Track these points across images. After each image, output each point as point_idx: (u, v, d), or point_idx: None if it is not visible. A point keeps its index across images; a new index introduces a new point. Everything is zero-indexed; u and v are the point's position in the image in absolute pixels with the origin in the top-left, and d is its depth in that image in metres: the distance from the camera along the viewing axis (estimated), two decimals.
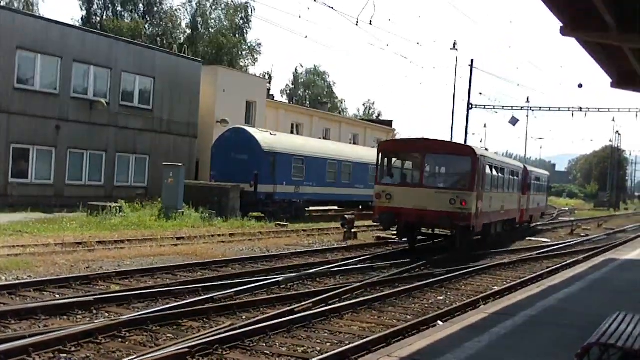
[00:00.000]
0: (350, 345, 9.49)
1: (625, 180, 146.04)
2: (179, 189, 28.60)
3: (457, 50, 50.84)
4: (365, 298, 13.44)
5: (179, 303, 11.92)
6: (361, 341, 9.78)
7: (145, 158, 34.97)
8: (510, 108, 59.56)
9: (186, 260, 17.71)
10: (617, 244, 30.17)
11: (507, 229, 30.15)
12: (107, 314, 11.17)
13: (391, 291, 14.47)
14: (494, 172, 26.09)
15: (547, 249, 26.78)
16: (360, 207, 44.43)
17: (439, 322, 11.59)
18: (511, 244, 28.33)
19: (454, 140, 45.42)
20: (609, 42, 16.97)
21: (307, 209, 38.50)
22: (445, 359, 7.43)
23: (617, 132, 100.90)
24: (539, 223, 42.15)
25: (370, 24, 25.87)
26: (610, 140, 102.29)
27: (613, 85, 23.35)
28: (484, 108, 57.64)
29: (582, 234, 38.02)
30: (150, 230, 24.22)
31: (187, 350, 8.70)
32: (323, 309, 12.12)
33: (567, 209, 77.22)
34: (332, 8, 25.80)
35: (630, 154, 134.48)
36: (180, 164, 29.91)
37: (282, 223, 30.50)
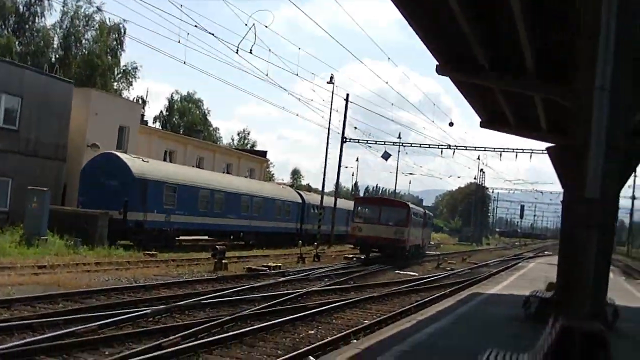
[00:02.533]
0: None
1: (487, 217, 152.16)
2: (43, 214, 27.31)
3: (333, 84, 51.50)
4: (236, 332, 13.11)
5: (36, 338, 11.20)
6: None
7: (7, 181, 33.20)
8: (383, 143, 60.93)
9: (47, 290, 16.79)
10: (481, 278, 31.13)
11: (415, 250, 46.08)
12: None
13: (262, 325, 14.21)
14: (414, 217, 43.19)
15: (415, 283, 27.27)
16: (232, 237, 44.05)
17: (311, 358, 11.45)
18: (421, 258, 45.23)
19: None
20: (482, 83, 17.63)
21: (177, 238, 37.72)
22: None
23: (482, 170, 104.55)
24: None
25: (251, 52, 25.80)
26: (475, 178, 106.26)
27: (482, 124, 24.32)
28: (358, 142, 58.67)
29: (448, 268, 39.12)
30: (9, 258, 22.89)
31: None
32: (192, 343, 11.72)
33: (433, 243, 79.45)
34: (213, 34, 25.57)
35: (492, 192, 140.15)
36: (45, 189, 28.56)
37: (151, 252, 29.67)
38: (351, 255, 42.03)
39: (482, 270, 40.21)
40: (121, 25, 63.98)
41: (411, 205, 44.49)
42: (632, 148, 11.15)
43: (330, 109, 52.54)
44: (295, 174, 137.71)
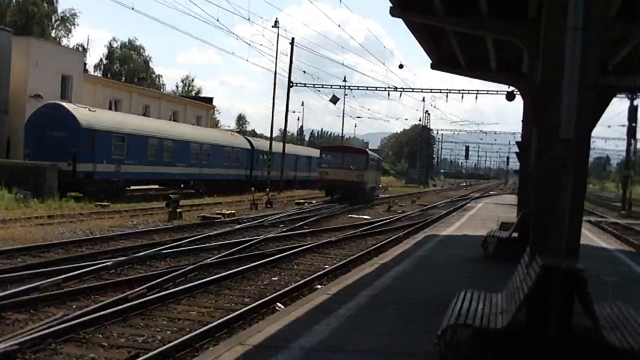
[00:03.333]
0: (194, 333, 9.18)
1: (432, 158, 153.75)
2: None
3: (278, 28, 50.88)
4: (201, 282, 13.08)
5: (1, 294, 11.01)
6: (203, 328, 9.49)
7: None
8: (330, 87, 60.74)
9: (3, 245, 16.49)
10: (432, 220, 31.60)
11: (371, 191, 52.82)
12: None
13: (225, 273, 14.21)
14: (371, 162, 50.48)
15: (369, 226, 27.52)
16: (182, 185, 43.69)
17: (279, 305, 11.52)
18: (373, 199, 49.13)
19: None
20: (435, 24, 17.61)
21: (127, 188, 37.29)
22: (299, 344, 7.31)
23: (427, 112, 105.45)
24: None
25: None
26: (419, 120, 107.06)
27: (433, 66, 24.34)
28: (304, 86, 58.35)
29: (399, 210, 39.56)
30: None
31: (16, 347, 8.02)
32: (159, 294, 11.67)
33: (381, 185, 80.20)
34: None
35: (437, 133, 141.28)
36: None
37: (103, 204, 29.28)
38: (302, 201, 42.28)
39: (432, 212, 40.71)
40: None
41: (369, 152, 52.83)
42: (604, 86, 11.34)
43: (276, 53, 52.27)
44: (241, 119, 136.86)
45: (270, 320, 8.73)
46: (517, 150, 20.94)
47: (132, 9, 42.85)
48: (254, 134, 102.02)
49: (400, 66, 47.66)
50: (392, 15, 16.54)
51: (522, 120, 22.21)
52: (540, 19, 10.06)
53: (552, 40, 7.37)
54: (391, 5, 16.37)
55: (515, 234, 15.60)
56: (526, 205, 15.46)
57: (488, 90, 56.65)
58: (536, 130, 8.11)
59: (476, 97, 57.07)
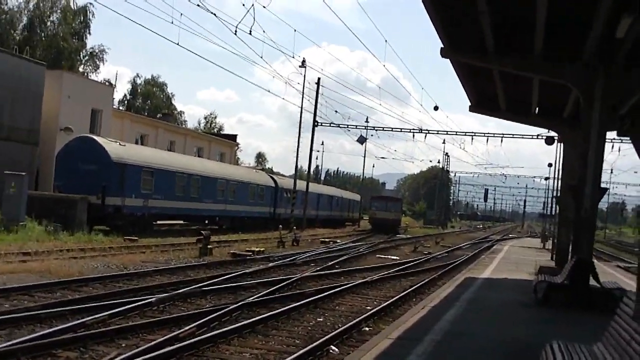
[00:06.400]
0: None
1: (449, 200, 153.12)
2: (22, 199, 26.55)
3: (305, 67, 50.94)
4: (248, 322, 12.73)
5: (49, 330, 10.70)
6: None
7: None
8: (355, 127, 60.67)
9: (40, 279, 16.25)
10: (462, 262, 31.28)
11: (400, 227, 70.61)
12: None
13: (271, 313, 13.86)
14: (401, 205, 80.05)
15: (400, 267, 27.16)
16: (207, 221, 43.48)
17: (333, 348, 11.15)
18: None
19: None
20: (483, 65, 17.45)
21: (154, 222, 37.12)
22: None
23: (447, 154, 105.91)
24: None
25: (250, 33, 25.49)
26: (438, 162, 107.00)
27: (472, 108, 24.21)
28: (330, 125, 58.29)
29: (425, 252, 39.23)
30: None
31: None
32: (209, 334, 11.33)
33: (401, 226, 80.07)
34: (214, 14, 25.09)
35: (454, 175, 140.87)
36: (23, 173, 27.78)
37: (132, 238, 29.08)
38: (327, 240, 41.98)
39: (459, 253, 40.45)
40: (87, 8, 62.61)
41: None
42: None
43: (302, 92, 52.09)
44: (260, 157, 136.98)
45: None
46: (556, 195, 20.62)
47: (177, 44, 43.07)
48: (271, 171, 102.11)
49: (436, 108, 47.60)
50: (443, 56, 16.41)
51: (562, 165, 21.90)
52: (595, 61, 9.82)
53: None
54: (442, 46, 16.26)
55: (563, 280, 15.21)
56: (580, 250, 15.03)
57: (514, 135, 56.23)
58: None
59: (501, 140, 56.37)
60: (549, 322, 12.66)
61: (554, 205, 53.86)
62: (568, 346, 6.86)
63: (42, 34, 60.99)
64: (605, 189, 18.14)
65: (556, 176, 44.89)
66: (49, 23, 61.87)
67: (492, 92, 21.56)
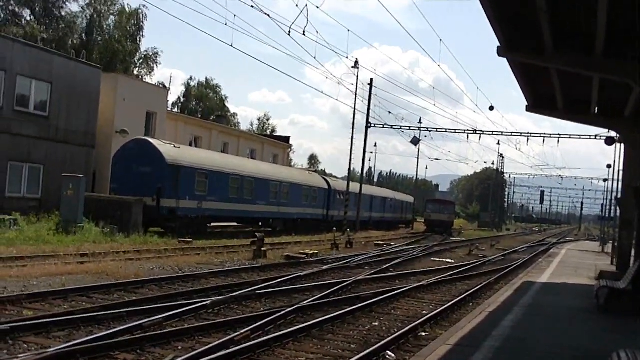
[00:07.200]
0: None
1: (504, 202, 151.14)
2: (79, 201, 26.96)
3: (358, 68, 50.83)
4: (303, 325, 12.63)
5: (107, 332, 10.75)
6: None
7: (39, 168, 32.80)
8: (408, 128, 60.22)
9: (98, 280, 16.43)
10: (519, 266, 30.75)
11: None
12: (25, 346, 9.91)
13: (326, 317, 13.73)
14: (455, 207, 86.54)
15: (455, 270, 26.78)
16: (260, 223, 43.57)
17: (389, 354, 10.97)
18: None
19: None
20: (540, 64, 17.08)
21: (208, 224, 37.35)
22: None
23: (501, 155, 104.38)
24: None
25: (304, 34, 25.39)
26: (493, 163, 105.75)
27: (528, 108, 23.75)
28: (383, 127, 58.01)
29: (480, 255, 38.69)
30: (51, 246, 22.61)
31: None
32: (264, 338, 11.25)
33: (455, 228, 79.53)
34: (268, 15, 25.11)
35: (509, 176, 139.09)
36: (80, 175, 28.20)
37: (186, 240, 29.29)
38: (381, 242, 41.73)
39: (515, 257, 39.74)
40: (140, 10, 63.50)
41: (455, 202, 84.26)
42: None
43: (355, 93, 52.02)
44: (312, 159, 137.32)
45: None
46: (616, 197, 20.08)
47: (231, 45, 43.42)
48: (324, 173, 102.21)
49: (491, 108, 46.85)
50: (500, 55, 16.10)
51: (622, 166, 21.34)
52: None
53: None
54: (498, 45, 15.95)
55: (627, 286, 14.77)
56: None
57: (571, 135, 54.99)
58: None
59: (558, 140, 55.30)
60: (612, 329, 12.31)
61: (613, 208, 52.77)
62: (637, 355, 6.58)
63: (99, 38, 62.02)
64: None
65: (616, 177, 43.98)
66: (104, 26, 62.88)
67: (549, 91, 21.11)
